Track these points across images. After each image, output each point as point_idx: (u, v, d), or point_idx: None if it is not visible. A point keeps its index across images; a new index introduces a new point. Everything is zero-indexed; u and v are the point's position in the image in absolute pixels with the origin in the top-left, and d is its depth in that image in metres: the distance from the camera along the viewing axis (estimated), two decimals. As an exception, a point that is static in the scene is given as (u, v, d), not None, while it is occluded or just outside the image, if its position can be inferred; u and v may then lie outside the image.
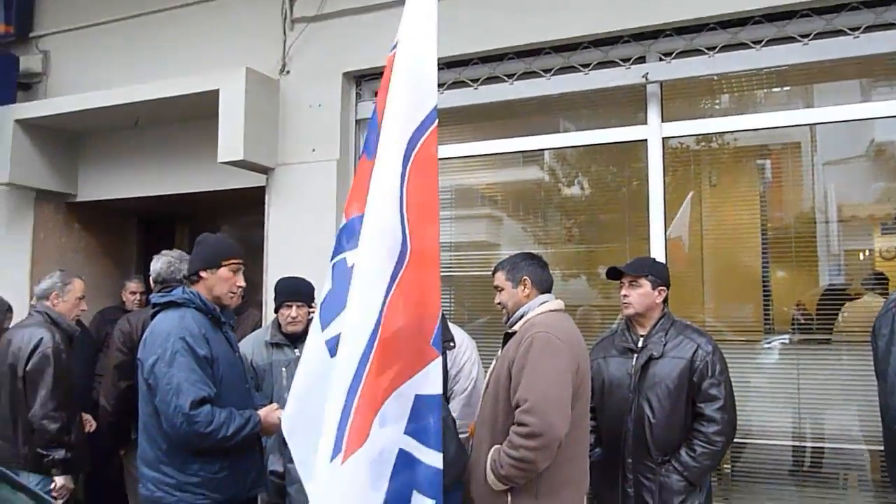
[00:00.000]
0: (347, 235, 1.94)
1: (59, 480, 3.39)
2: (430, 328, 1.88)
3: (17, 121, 4.83)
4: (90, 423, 3.89)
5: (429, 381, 1.89)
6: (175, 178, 4.85)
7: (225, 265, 2.88)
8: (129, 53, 4.96)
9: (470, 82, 4.05)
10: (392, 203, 1.83)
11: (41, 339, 3.40)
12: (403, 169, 1.89)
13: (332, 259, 1.98)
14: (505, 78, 3.98)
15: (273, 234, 4.28)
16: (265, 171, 4.32)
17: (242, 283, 2.96)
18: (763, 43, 3.42)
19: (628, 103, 3.90)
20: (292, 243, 4.21)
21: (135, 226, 5.91)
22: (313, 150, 4.24)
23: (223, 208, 5.56)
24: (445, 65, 4.08)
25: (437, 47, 2.07)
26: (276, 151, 4.32)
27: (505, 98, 3.97)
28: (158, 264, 3.67)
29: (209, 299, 2.87)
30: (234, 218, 5.64)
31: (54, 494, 3.35)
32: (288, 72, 4.38)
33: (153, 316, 2.89)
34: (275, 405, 2.90)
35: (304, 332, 3.38)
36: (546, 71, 3.86)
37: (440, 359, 1.85)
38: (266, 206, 4.34)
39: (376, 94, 2.12)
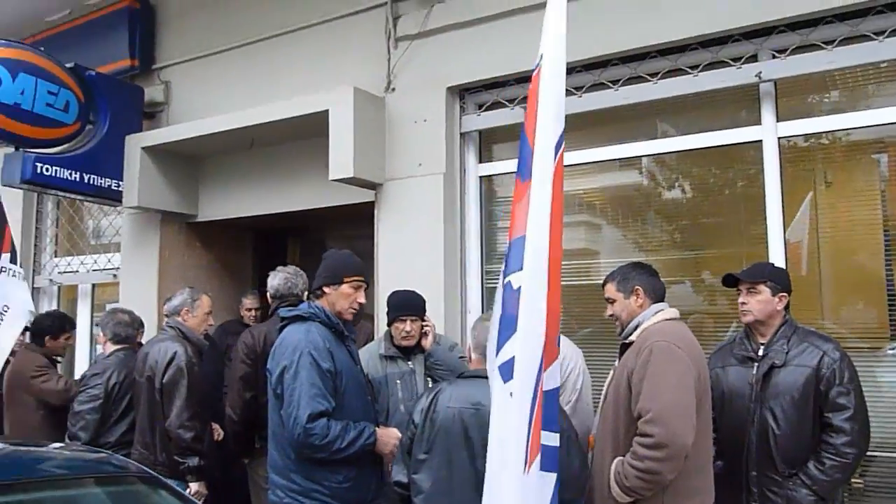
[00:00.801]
0: (514, 257, 1.98)
1: (193, 486, 3.60)
2: (555, 329, 1.99)
3: (144, 148, 5.16)
4: (218, 433, 4.10)
5: (553, 377, 2.00)
6: (287, 196, 5.05)
7: (347, 282, 3.01)
8: (243, 79, 5.21)
9: (574, 90, 4.04)
10: (545, 221, 1.90)
11: (175, 352, 3.62)
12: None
13: (502, 280, 2.03)
14: (609, 84, 3.95)
15: (383, 247, 4.40)
16: (373, 186, 4.44)
17: (363, 301, 3.08)
18: (886, 34, 3.26)
19: (737, 103, 3.80)
20: (402, 256, 4.31)
21: (250, 242, 6.19)
22: (420, 164, 4.33)
23: (332, 223, 5.74)
24: (548, 74, 4.10)
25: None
26: (383, 167, 4.43)
27: (611, 105, 3.94)
28: (276, 280, 3.84)
29: (332, 313, 2.99)
30: (343, 232, 5.81)
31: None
32: (393, 89, 4.49)
33: (281, 329, 3.04)
34: (395, 431, 2.97)
35: (417, 345, 3.51)
36: (652, 75, 3.81)
37: (561, 357, 1.95)
38: (375, 221, 4.46)
39: (525, 117, 2.12)
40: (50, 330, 4.54)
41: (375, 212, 4.46)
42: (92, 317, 6.34)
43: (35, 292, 6.63)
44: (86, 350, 6.30)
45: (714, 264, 3.86)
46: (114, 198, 5.22)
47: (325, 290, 3.02)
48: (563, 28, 2.05)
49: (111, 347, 4.18)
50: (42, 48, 5.13)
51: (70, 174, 4.92)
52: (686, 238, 3.98)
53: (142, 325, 4.33)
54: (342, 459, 2.83)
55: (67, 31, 6.09)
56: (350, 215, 5.15)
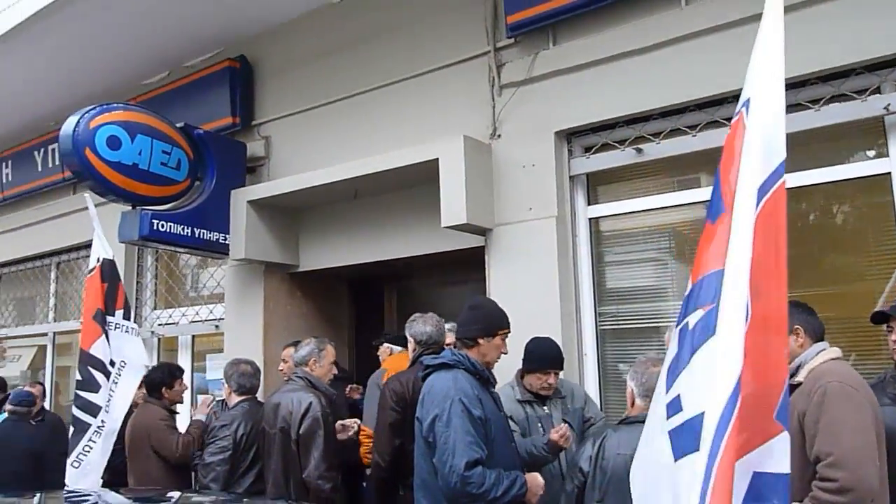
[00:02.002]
0: (693, 300, 1.95)
1: (331, 536, 3.62)
2: (775, 399, 1.80)
3: (249, 202, 5.31)
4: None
5: (773, 457, 1.79)
6: (388, 244, 5.12)
7: (499, 334, 3.05)
8: (342, 131, 5.35)
9: (687, 129, 4.04)
10: (745, 262, 1.82)
11: (310, 403, 3.67)
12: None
13: (677, 326, 2.00)
14: (724, 122, 3.94)
15: (495, 292, 4.40)
16: (483, 232, 4.47)
17: (506, 351, 3.11)
18: None
19: (860, 137, 3.75)
20: (515, 300, 4.27)
21: (346, 291, 6.28)
22: (530, 208, 4.36)
23: (429, 270, 5.78)
24: (660, 114, 4.12)
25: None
26: (492, 212, 4.47)
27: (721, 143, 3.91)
28: (428, 327, 3.85)
29: (480, 362, 3.01)
30: (441, 279, 5.86)
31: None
32: (499, 135, 4.55)
33: (425, 377, 3.06)
34: (539, 478, 2.96)
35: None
36: (771, 112, 3.78)
37: (786, 435, 1.79)
38: (486, 266, 4.48)
39: (720, 163, 2.09)
40: (163, 381, 4.65)
41: (486, 257, 4.49)
42: (192, 367, 6.46)
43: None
44: (187, 399, 6.40)
45: (843, 301, 3.77)
46: (221, 251, 5.36)
47: (480, 340, 3.06)
48: (777, 66, 1.99)
49: (235, 399, 4.26)
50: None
51: (182, 229, 5.08)
52: (816, 275, 3.90)
53: (259, 371, 4.41)
54: (494, 509, 2.82)
55: (167, 93, 6.35)
56: (449, 262, 5.20)
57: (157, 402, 4.55)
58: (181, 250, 5.43)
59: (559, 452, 3.28)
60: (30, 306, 8.71)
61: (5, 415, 5.81)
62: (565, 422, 3.42)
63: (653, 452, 1.93)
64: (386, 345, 5.02)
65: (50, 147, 7.55)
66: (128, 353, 4.48)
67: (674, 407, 1.88)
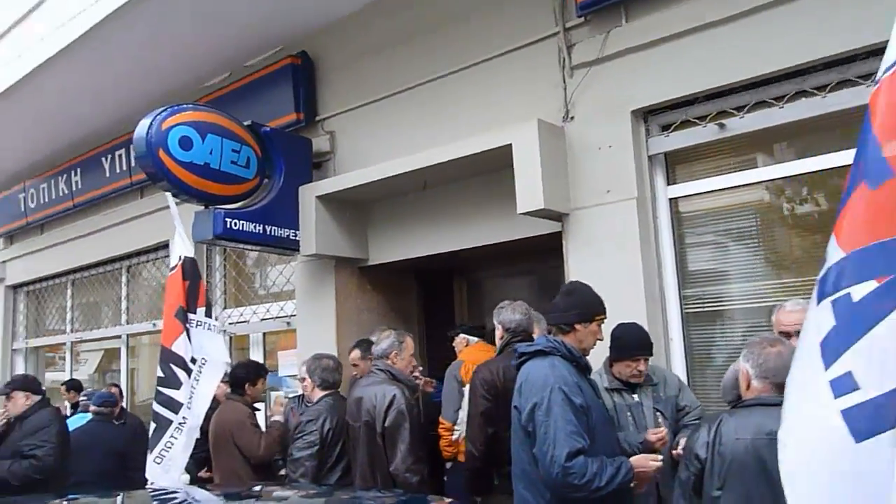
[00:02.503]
0: (853, 271, 1.83)
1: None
2: None
3: (318, 197, 5.30)
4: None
5: None
6: (461, 234, 5.05)
7: (596, 320, 2.96)
8: (408, 122, 5.29)
9: (773, 101, 3.87)
10: None
11: (394, 396, 3.63)
12: None
13: (830, 297, 1.87)
14: (814, 92, 3.76)
15: (575, 278, 4.26)
16: (559, 217, 4.37)
17: (602, 337, 3.03)
18: None
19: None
20: (596, 286, 4.15)
21: (414, 283, 6.23)
22: (608, 191, 4.24)
23: (498, 260, 5.69)
24: (743, 87, 3.95)
25: None
26: (568, 197, 4.36)
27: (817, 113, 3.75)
28: (517, 315, 3.80)
29: (577, 349, 2.93)
30: (510, 268, 5.77)
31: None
32: (572, 118, 4.44)
33: (519, 365, 2.99)
34: (651, 456, 2.85)
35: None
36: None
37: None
38: (564, 253, 4.38)
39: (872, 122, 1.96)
40: (247, 378, 4.67)
41: (564, 243, 4.38)
42: (264, 364, 6.50)
43: (209, 344, 6.90)
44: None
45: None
46: (291, 247, 5.36)
47: (577, 326, 2.98)
48: None
49: (319, 393, 4.25)
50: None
51: (254, 227, 5.09)
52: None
53: (340, 365, 4.39)
54: (600, 498, 2.72)
55: (230, 93, 6.39)
56: (519, 251, 5.11)
57: (239, 399, 4.57)
58: (253, 248, 5.44)
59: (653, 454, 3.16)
60: (99, 310, 8.91)
61: (86, 415, 5.93)
62: (657, 411, 3.30)
63: (814, 434, 1.81)
64: (462, 336, 4.96)
65: (117, 153, 7.69)
66: (209, 350, 4.51)
67: (843, 385, 1.77)
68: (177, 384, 4.28)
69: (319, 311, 5.63)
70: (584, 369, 2.97)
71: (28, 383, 4.76)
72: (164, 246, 7.43)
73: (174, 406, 4.26)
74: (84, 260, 8.62)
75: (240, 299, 6.83)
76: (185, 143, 4.74)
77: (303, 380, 4.83)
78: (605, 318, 3.09)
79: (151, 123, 4.64)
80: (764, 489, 2.24)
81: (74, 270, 9.00)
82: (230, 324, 6.80)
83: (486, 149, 4.39)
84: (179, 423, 4.23)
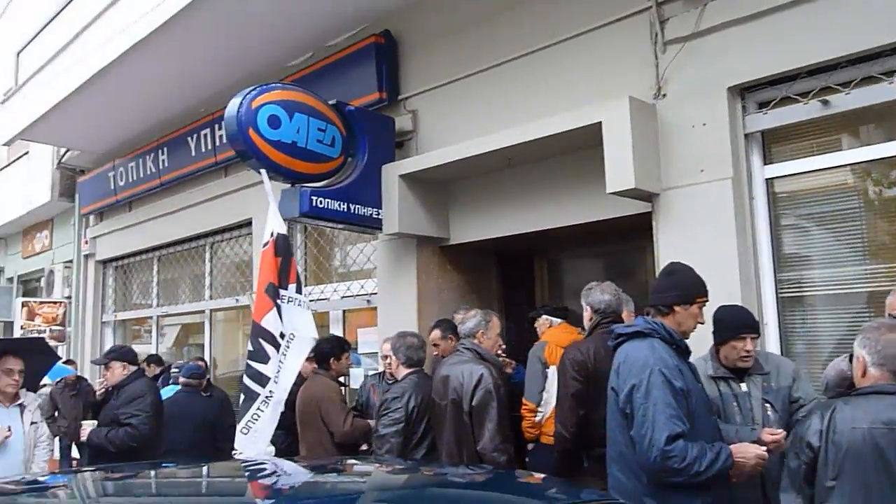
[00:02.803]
0: None
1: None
2: None
3: (401, 176, 5.32)
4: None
5: None
6: (546, 213, 4.99)
7: (697, 302, 2.89)
8: (493, 100, 5.24)
9: (882, 77, 3.68)
10: None
11: (482, 375, 3.62)
12: None
13: None
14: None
15: (665, 259, 4.15)
16: (649, 197, 4.27)
17: (703, 321, 2.94)
18: None
19: None
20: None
21: (493, 264, 6.21)
22: (701, 170, 4.11)
23: (581, 240, 5.60)
24: (850, 62, 3.77)
25: None
26: (658, 176, 4.26)
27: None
28: (606, 296, 3.75)
29: (676, 331, 2.86)
30: (593, 248, 5.68)
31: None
32: (664, 95, 4.32)
33: (616, 346, 2.94)
34: (753, 446, 2.76)
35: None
36: None
37: None
38: (654, 233, 4.28)
39: None
40: (332, 353, 4.74)
41: (654, 223, 4.28)
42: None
43: (290, 320, 7.04)
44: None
45: None
46: (374, 226, 5.40)
47: (676, 308, 2.90)
48: None
49: (403, 371, 4.28)
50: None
51: (339, 205, 5.14)
52: None
53: (425, 344, 4.41)
54: (698, 483, 2.66)
55: (313, 73, 6.45)
56: (602, 232, 5.01)
57: (325, 374, 4.64)
58: (337, 226, 5.49)
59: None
60: (183, 286, 9.20)
61: (175, 387, 6.15)
62: (766, 402, 3.18)
63: None
64: (545, 317, 4.92)
65: (202, 132, 7.89)
66: (298, 325, 4.59)
67: None
68: (265, 358, 4.37)
69: (400, 290, 5.67)
70: (683, 352, 2.90)
71: (124, 354, 4.95)
72: (247, 224, 7.63)
73: (261, 380, 4.35)
74: (170, 237, 8.90)
75: (320, 277, 6.94)
76: (274, 122, 4.81)
77: (385, 357, 4.90)
78: (707, 300, 2.99)
79: (241, 102, 4.72)
80: (882, 479, 2.14)
81: (160, 247, 9.30)
82: (311, 301, 6.91)
83: (575, 127, 4.32)
84: (266, 397, 4.33)
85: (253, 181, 7.35)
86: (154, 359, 8.14)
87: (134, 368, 4.92)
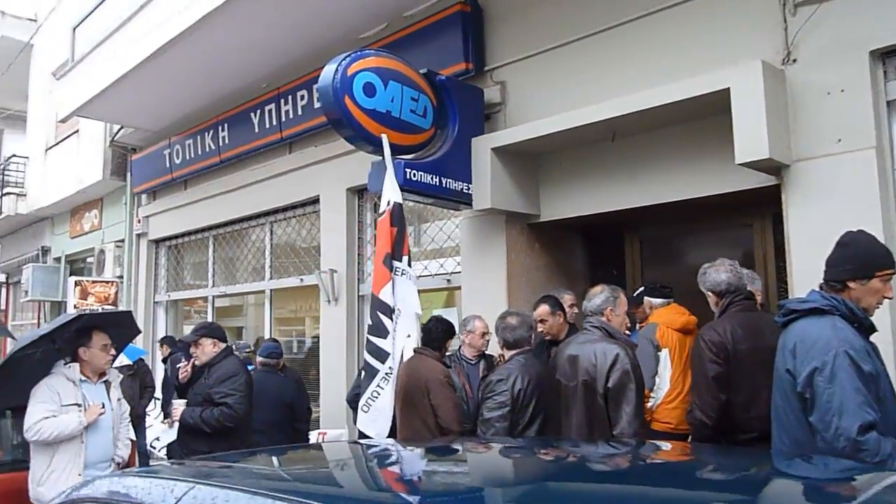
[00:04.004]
0: None
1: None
2: None
3: (493, 149, 5.09)
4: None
5: None
6: (650, 188, 4.74)
7: (878, 276, 2.62)
8: (590, 70, 4.98)
9: None
10: None
11: (617, 354, 3.39)
12: None
13: None
14: None
15: (796, 235, 3.94)
16: (777, 170, 4.00)
17: (891, 296, 2.67)
18: None
19: None
20: (823, 245, 3.81)
21: (579, 241, 5.97)
22: (839, 140, 3.84)
23: (677, 215, 5.32)
24: None
25: None
26: (789, 146, 3.99)
27: None
28: (723, 274, 3.50)
29: (858, 308, 2.61)
30: (691, 224, 5.39)
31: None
32: (794, 60, 4.04)
33: (785, 324, 2.70)
34: None
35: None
36: None
37: None
38: (784, 207, 4.02)
39: None
40: (442, 334, 4.54)
41: (783, 196, 4.02)
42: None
43: (360, 300, 6.86)
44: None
45: None
46: (464, 201, 5.17)
47: (850, 284, 2.64)
48: None
49: (508, 352, 4.07)
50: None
51: (431, 178, 4.93)
52: None
53: (530, 326, 4.18)
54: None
55: (389, 44, 6.20)
56: (702, 206, 4.75)
57: (431, 354, 4.43)
58: (426, 201, 5.25)
59: None
60: (240, 265, 9.04)
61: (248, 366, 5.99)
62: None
63: None
64: (647, 299, 4.68)
65: (266, 108, 7.70)
66: (406, 301, 4.39)
67: None
68: (384, 333, 4.17)
69: (487, 269, 5.45)
70: (867, 330, 2.65)
71: (214, 330, 4.78)
72: (313, 202, 7.44)
73: (381, 356, 4.15)
74: (228, 215, 8.75)
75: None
76: (369, 90, 4.60)
77: (467, 335, 4.66)
78: (893, 272, 2.72)
79: (337, 69, 4.51)
80: None
81: (217, 226, 9.15)
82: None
83: (699, 94, 4.06)
84: (386, 373, 4.11)
85: (320, 157, 7.20)
86: (168, 340, 8.04)
87: (224, 345, 4.75)
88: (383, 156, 4.81)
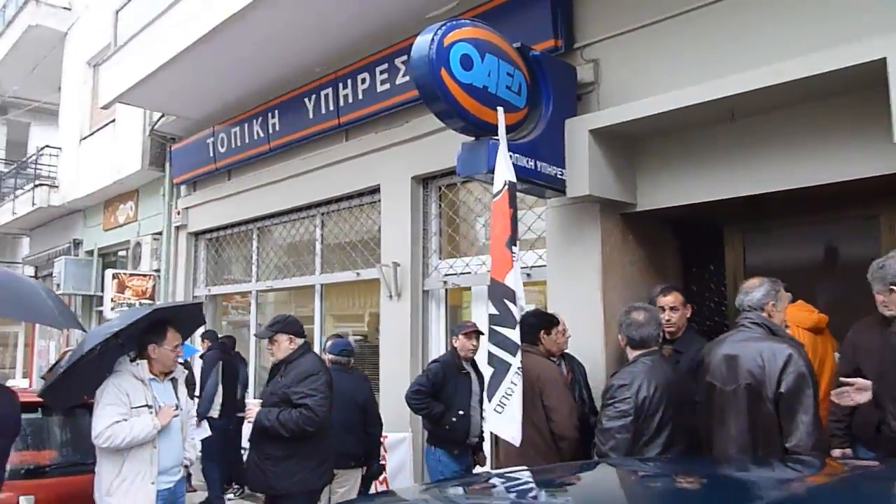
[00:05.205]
0: None
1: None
2: None
3: (591, 131, 4.66)
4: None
5: None
6: (773, 173, 4.28)
7: None
8: (694, 46, 4.54)
9: None
10: None
11: (789, 355, 2.96)
12: None
13: None
14: None
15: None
16: (935, 151, 3.55)
17: None
18: None
19: None
20: None
21: (671, 235, 5.52)
22: None
23: (789, 206, 4.85)
24: None
25: None
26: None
27: None
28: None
29: None
30: (807, 217, 4.90)
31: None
32: (960, 27, 3.59)
33: None
34: None
35: None
36: None
37: None
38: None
39: None
40: (541, 325, 4.12)
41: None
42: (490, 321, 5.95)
43: (426, 296, 6.45)
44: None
45: None
46: (557, 187, 4.74)
47: None
48: None
49: (632, 353, 3.63)
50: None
51: (527, 162, 4.50)
52: None
53: (659, 323, 3.74)
54: None
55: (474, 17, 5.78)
56: (817, 196, 4.29)
57: (534, 350, 4.00)
58: (520, 186, 4.82)
59: None
60: (284, 259, 8.64)
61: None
62: None
63: None
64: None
65: (322, 93, 7.31)
66: (518, 288, 3.96)
67: None
68: (510, 322, 3.72)
69: (577, 263, 5.01)
70: None
71: (290, 325, 4.36)
72: (371, 191, 7.05)
73: (510, 348, 3.68)
74: (274, 207, 8.36)
75: (463, 249, 6.32)
76: (466, 63, 4.17)
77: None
78: None
79: (433, 39, 4.08)
80: None
81: (262, 217, 8.77)
82: (447, 275, 6.31)
83: (849, 65, 3.60)
84: (518, 369, 3.65)
85: (380, 145, 6.79)
86: (209, 334, 7.70)
87: (301, 341, 4.34)
88: (476, 135, 4.40)
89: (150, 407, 3.81)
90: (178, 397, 4.13)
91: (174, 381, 4.19)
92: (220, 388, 7.14)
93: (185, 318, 4.19)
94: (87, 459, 4.52)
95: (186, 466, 4.22)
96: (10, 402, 3.54)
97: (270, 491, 4.08)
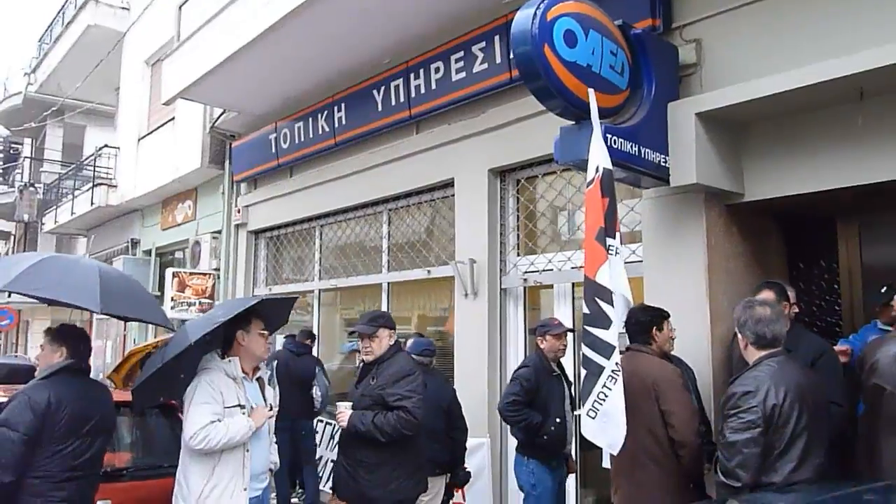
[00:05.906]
0: None
1: None
2: None
3: (698, 115, 4.33)
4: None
5: None
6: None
7: None
8: (808, 24, 4.18)
9: None
10: None
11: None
12: None
13: None
14: None
15: None
16: None
17: None
18: None
19: None
20: None
21: (775, 228, 5.14)
22: None
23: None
24: None
25: None
26: None
27: None
28: None
29: None
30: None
31: None
32: None
33: None
34: None
35: None
36: None
37: None
38: None
39: None
40: (653, 322, 3.80)
41: None
42: (574, 321, 5.63)
43: (503, 294, 6.16)
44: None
45: None
46: (661, 176, 4.41)
47: None
48: None
49: (756, 354, 3.28)
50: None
51: (631, 147, 4.19)
52: None
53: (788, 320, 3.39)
54: None
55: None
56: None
57: (647, 349, 3.68)
58: (622, 174, 4.48)
59: None
60: (349, 258, 8.41)
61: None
62: None
63: None
64: (897, 297, 3.85)
65: (392, 84, 7.07)
66: (619, 284, 3.66)
67: None
68: (605, 322, 3.42)
69: (679, 257, 4.66)
70: None
71: (389, 320, 4.07)
72: (444, 185, 6.79)
73: (604, 350, 3.38)
74: (339, 203, 8.16)
75: (546, 245, 6.01)
76: (570, 39, 3.87)
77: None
78: None
79: (535, 13, 3.79)
80: None
81: (325, 214, 8.58)
82: (527, 272, 6.01)
83: None
84: (613, 372, 3.35)
85: (454, 137, 6.53)
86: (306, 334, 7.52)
87: (394, 339, 4.07)
88: (577, 119, 4.10)
89: (242, 407, 3.58)
90: (264, 396, 3.91)
91: (260, 380, 3.96)
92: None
93: (275, 313, 3.96)
94: (164, 463, 4.36)
95: (271, 470, 3.99)
96: (109, 399, 3.35)
97: (363, 500, 3.81)
